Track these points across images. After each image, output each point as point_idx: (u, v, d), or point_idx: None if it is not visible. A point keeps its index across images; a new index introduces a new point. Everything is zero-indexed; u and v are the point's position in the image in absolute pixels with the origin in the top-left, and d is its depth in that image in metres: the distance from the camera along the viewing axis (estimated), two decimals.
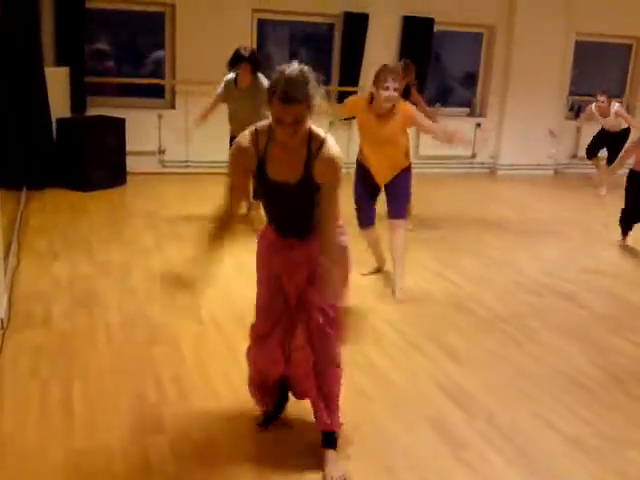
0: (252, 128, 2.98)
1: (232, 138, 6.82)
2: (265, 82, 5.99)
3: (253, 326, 3.29)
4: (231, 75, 6.70)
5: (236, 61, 6.52)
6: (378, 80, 4.97)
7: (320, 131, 2.92)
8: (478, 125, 10.78)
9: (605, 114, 9.62)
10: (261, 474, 3.03)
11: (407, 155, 5.39)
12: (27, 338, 4.19)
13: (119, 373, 3.85)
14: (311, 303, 3.06)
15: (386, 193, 5.38)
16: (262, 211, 3.20)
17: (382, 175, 5.29)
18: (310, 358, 3.10)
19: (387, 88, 4.93)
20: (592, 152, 10.12)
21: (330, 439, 3.18)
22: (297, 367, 3.17)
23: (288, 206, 3.02)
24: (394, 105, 5.04)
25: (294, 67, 2.79)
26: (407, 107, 5.18)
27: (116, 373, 3.85)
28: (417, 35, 10.05)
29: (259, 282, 3.24)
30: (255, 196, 6.63)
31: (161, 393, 3.65)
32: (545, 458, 3.31)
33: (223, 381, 3.82)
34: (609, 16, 10.66)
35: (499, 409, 3.72)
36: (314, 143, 2.89)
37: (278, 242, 3.13)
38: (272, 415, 3.46)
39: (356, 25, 9.75)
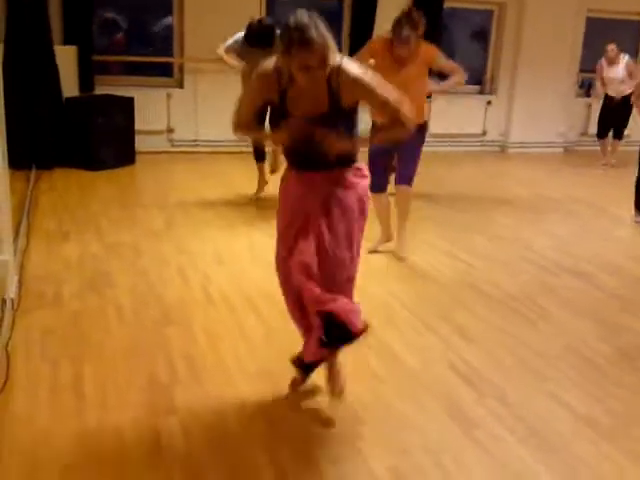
0: (273, 63, 2.95)
1: None
2: None
3: (277, 256, 3.27)
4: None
5: (250, 42, 6.37)
6: (396, 27, 5.01)
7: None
8: (489, 103, 10.72)
9: (613, 61, 9.58)
10: (272, 456, 3.03)
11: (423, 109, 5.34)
12: (37, 319, 4.19)
13: (130, 354, 3.85)
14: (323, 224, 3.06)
15: (397, 156, 5.46)
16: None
17: None
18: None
19: (400, 35, 5.01)
20: (602, 131, 10.09)
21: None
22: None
23: (311, 141, 2.96)
24: (417, 46, 5.06)
25: (300, 13, 2.79)
26: (430, 47, 5.18)
27: (127, 354, 3.84)
28: (427, 12, 9.91)
29: (277, 228, 3.24)
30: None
31: (172, 374, 3.65)
32: (556, 437, 3.29)
33: (235, 362, 3.81)
34: None
35: (511, 388, 3.71)
36: (333, 73, 2.88)
37: (300, 182, 3.11)
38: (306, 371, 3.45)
39: (365, 2, 9.66)
